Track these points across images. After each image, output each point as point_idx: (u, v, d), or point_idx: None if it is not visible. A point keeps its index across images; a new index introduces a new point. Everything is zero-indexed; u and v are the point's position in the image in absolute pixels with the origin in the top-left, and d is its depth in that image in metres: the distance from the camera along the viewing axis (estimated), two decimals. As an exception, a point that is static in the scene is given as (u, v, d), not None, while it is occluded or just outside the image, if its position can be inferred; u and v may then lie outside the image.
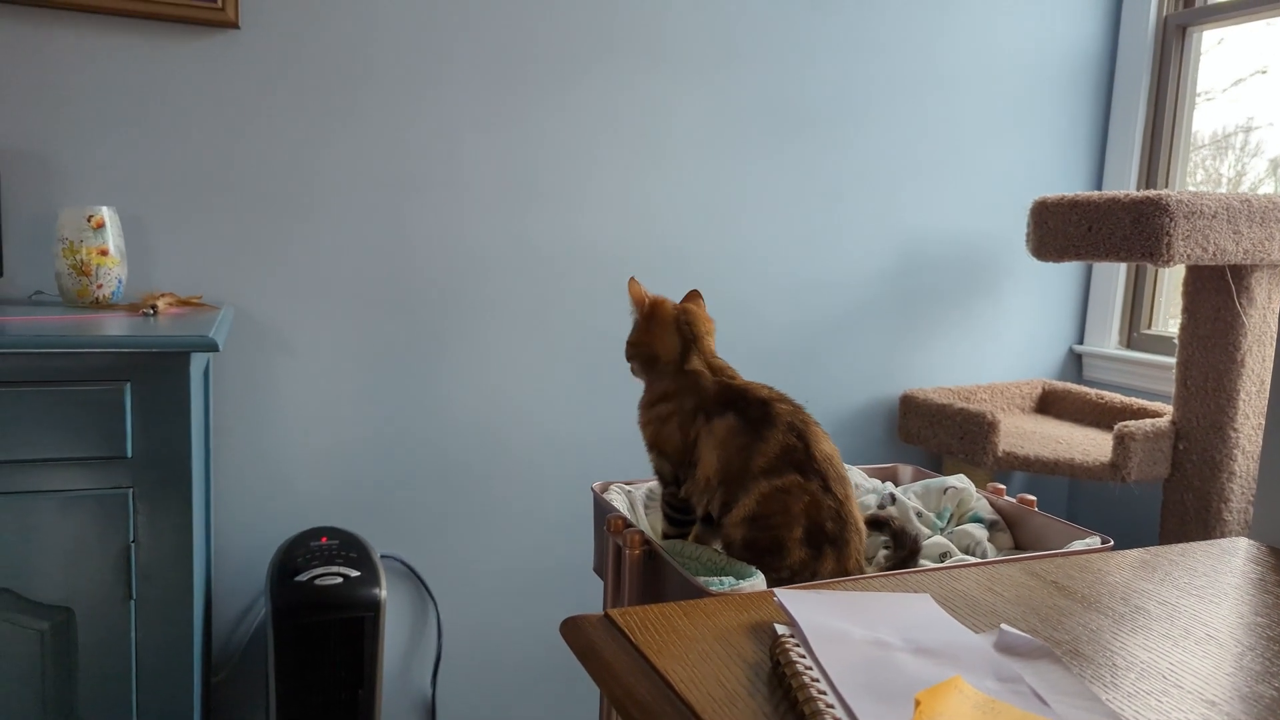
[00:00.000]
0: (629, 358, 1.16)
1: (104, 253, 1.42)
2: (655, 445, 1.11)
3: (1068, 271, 2.32)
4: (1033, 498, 1.18)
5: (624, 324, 1.92)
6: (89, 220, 1.41)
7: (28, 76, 1.52)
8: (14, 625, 1.15)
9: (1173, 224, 1.54)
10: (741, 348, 2.03)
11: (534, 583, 1.94)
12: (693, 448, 1.06)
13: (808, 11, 1.98)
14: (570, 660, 1.99)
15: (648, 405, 1.12)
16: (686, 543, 1.06)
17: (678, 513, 1.10)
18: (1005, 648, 0.65)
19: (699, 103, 1.93)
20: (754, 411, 1.03)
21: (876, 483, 1.30)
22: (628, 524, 1.09)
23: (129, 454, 1.16)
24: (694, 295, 1.19)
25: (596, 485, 1.22)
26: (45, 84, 1.53)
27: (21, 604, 1.15)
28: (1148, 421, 1.76)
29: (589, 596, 1.97)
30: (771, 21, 1.96)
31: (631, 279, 1.17)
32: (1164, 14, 2.19)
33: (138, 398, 1.16)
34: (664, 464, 1.10)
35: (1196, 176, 2.23)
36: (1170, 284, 2.25)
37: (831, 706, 0.56)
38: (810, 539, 1.00)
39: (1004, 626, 0.68)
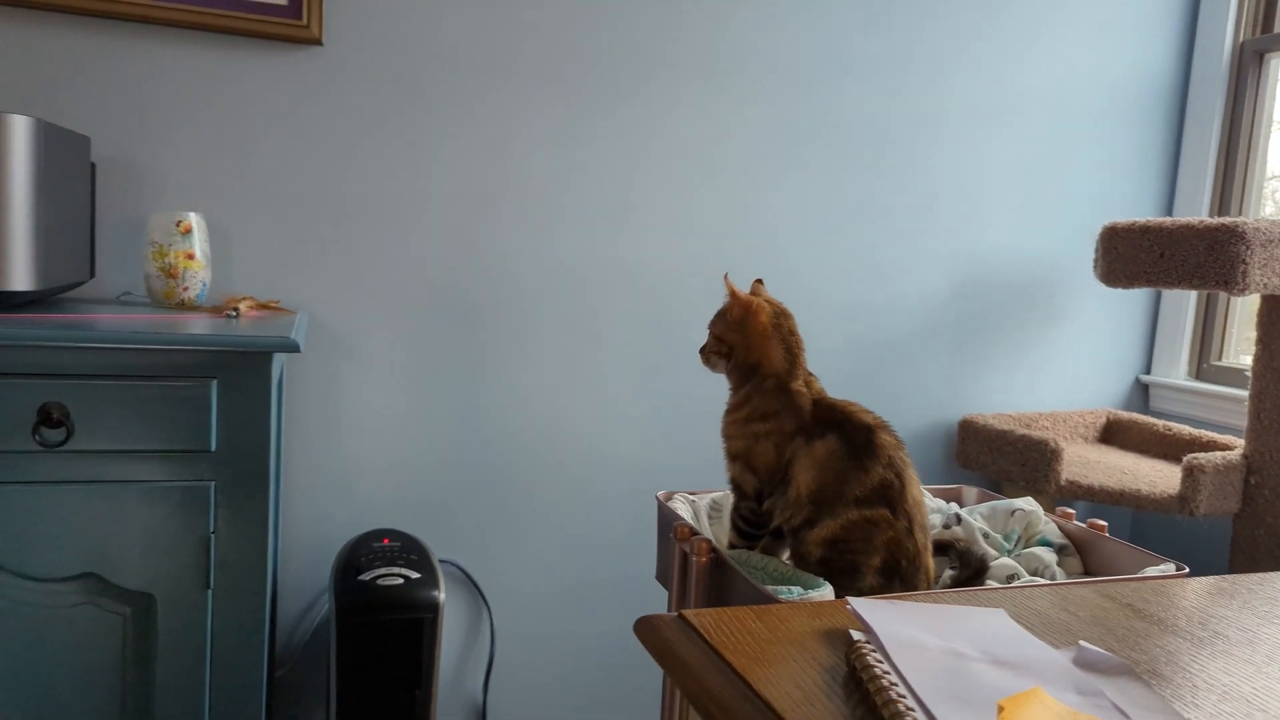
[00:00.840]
0: (712, 350, 1.14)
1: (190, 256, 1.48)
2: (743, 458, 1.10)
3: (1135, 299, 2.28)
4: (1103, 523, 1.17)
5: (681, 338, 1.94)
6: (178, 225, 1.47)
7: (123, 89, 1.59)
8: (99, 609, 1.20)
9: (1249, 252, 1.52)
10: (801, 367, 2.03)
11: (587, 592, 1.96)
12: (787, 467, 1.06)
13: (867, 34, 1.99)
14: (623, 670, 2.00)
15: (743, 420, 1.10)
16: (753, 553, 1.07)
17: (750, 526, 1.10)
18: (1085, 664, 0.65)
19: (757, 123, 1.94)
20: (858, 438, 1.03)
21: (941, 503, 1.30)
22: (694, 532, 1.10)
23: (213, 448, 1.20)
24: (759, 285, 1.19)
25: (661, 494, 1.24)
26: (139, 96, 1.60)
27: (106, 588, 1.20)
28: (1218, 454, 1.73)
29: (642, 607, 1.98)
30: (832, 43, 1.97)
31: (726, 274, 1.17)
32: (1240, 40, 2.16)
33: (223, 394, 1.20)
34: (748, 478, 1.09)
35: (1266, 208, 2.19)
36: (1242, 315, 2.20)
37: (912, 709, 0.56)
38: (885, 571, 1.00)
39: (1082, 643, 0.68)
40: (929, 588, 1.03)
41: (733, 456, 1.12)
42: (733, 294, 1.13)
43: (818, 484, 1.03)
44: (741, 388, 1.12)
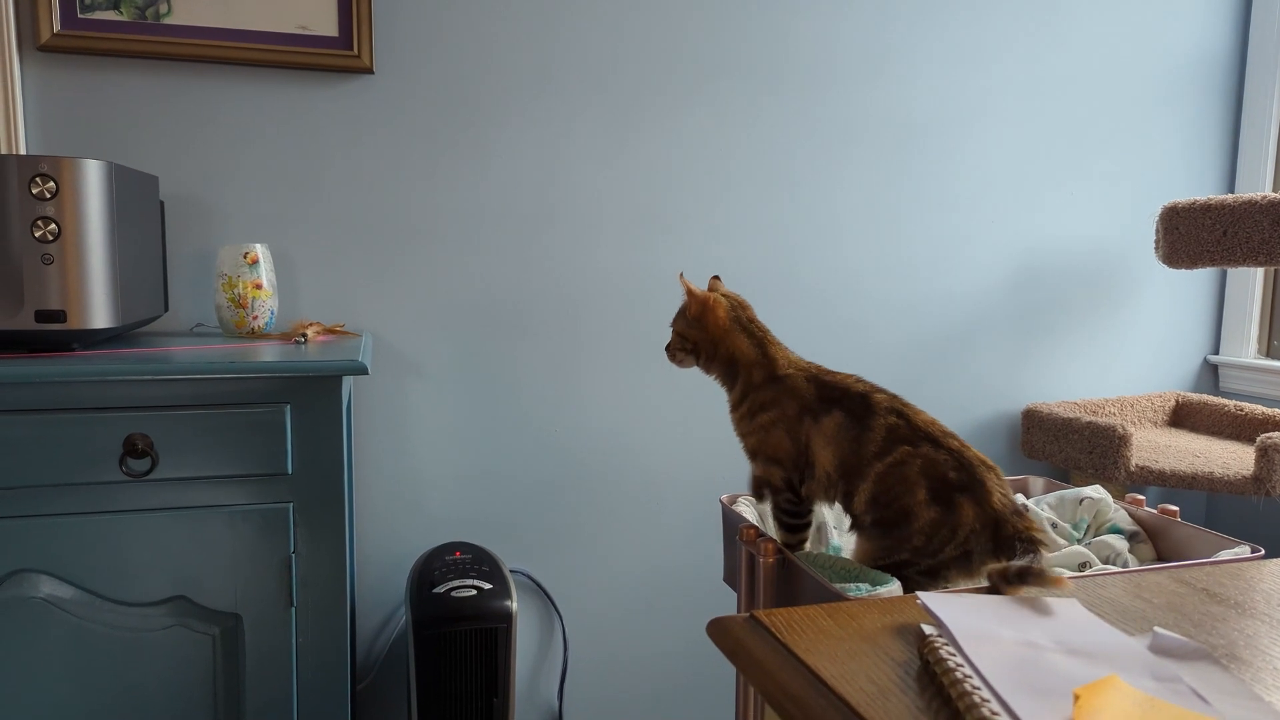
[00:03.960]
0: (676, 347, 1.17)
1: (258, 286, 1.53)
2: (762, 453, 1.12)
3: (1200, 279, 2.23)
4: (1175, 508, 1.15)
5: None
6: (245, 257, 1.52)
7: (186, 127, 1.66)
8: (189, 630, 1.25)
9: (1315, 225, 1.48)
10: (857, 366, 2.03)
11: (657, 596, 1.98)
12: (806, 449, 1.08)
13: (910, 28, 1.98)
14: (694, 674, 2.01)
15: (748, 415, 1.13)
16: (820, 552, 1.08)
17: (793, 518, 1.12)
18: (1160, 649, 0.65)
19: (804, 124, 1.95)
20: (856, 407, 1.06)
21: (1007, 495, 1.29)
22: (760, 533, 1.11)
23: (289, 470, 1.25)
24: (716, 281, 1.22)
25: (725, 497, 1.25)
26: (201, 133, 1.66)
27: (196, 610, 1.25)
28: (1294, 432, 1.68)
29: (712, 609, 1.99)
30: (876, 40, 1.97)
31: (680, 274, 1.19)
32: (1296, 8, 2.10)
33: (296, 418, 1.24)
34: (774, 470, 1.11)
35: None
36: (1313, 288, 2.14)
37: (987, 701, 0.57)
38: (936, 496, 1.00)
39: (1158, 629, 0.68)
40: (999, 474, 1.01)
41: (752, 454, 1.14)
42: (689, 292, 1.16)
43: (838, 457, 1.05)
44: (734, 385, 1.15)
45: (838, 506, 1.08)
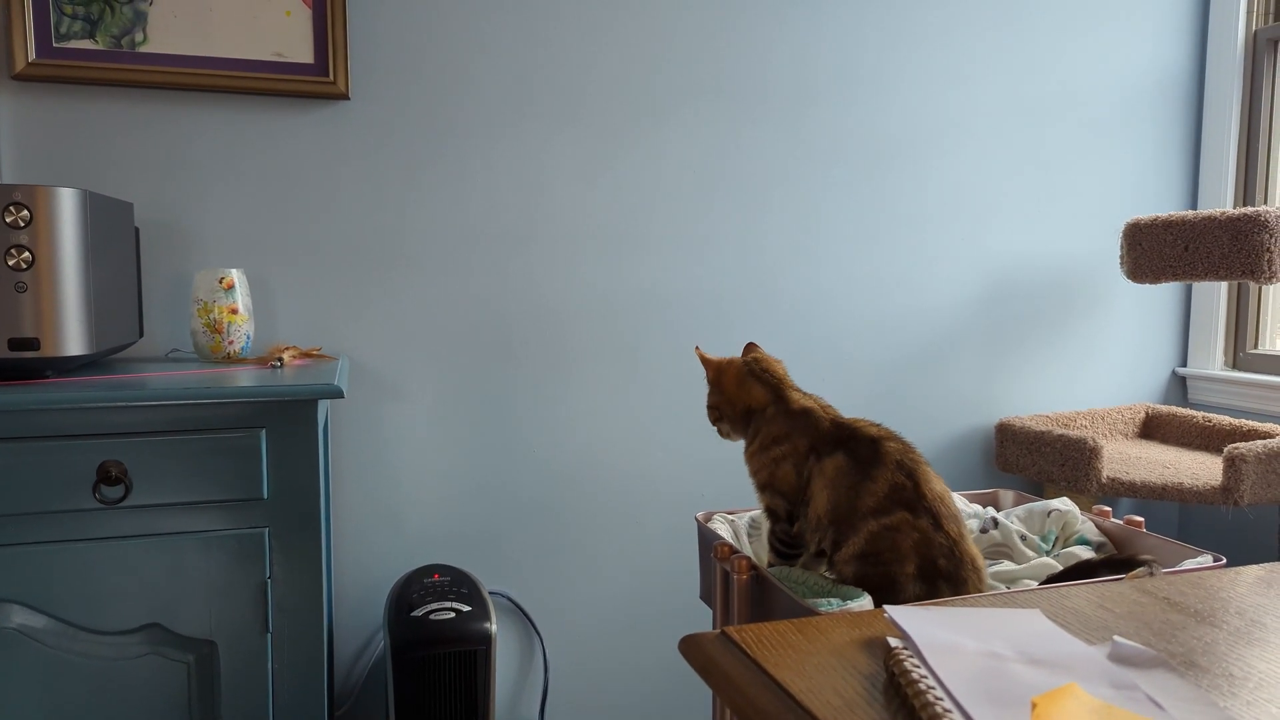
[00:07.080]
0: (714, 420, 1.21)
1: (234, 311, 1.53)
2: (770, 485, 1.12)
3: (1167, 293, 2.28)
4: (1140, 519, 1.17)
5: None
6: (220, 282, 1.53)
7: (161, 154, 1.66)
8: (163, 658, 1.24)
9: (1274, 240, 1.52)
10: (833, 382, 2.05)
11: (636, 615, 1.98)
12: (806, 486, 1.07)
13: (881, 50, 2.02)
14: (674, 692, 2.01)
15: (760, 450, 1.13)
16: (793, 568, 1.09)
17: (787, 548, 1.12)
18: (1119, 658, 0.67)
19: (776, 142, 1.98)
20: (863, 451, 1.04)
21: (977, 508, 1.31)
22: (734, 550, 1.12)
23: (265, 495, 1.25)
24: (752, 347, 1.23)
25: (700, 515, 1.26)
26: (177, 160, 1.67)
27: (170, 637, 1.24)
28: (1259, 443, 1.72)
29: (689, 626, 2.00)
30: (847, 61, 2.00)
31: (696, 348, 1.23)
32: (1253, 29, 2.16)
33: (272, 443, 1.25)
34: (779, 501, 1.11)
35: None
36: (1276, 301, 2.18)
37: (949, 711, 0.58)
38: (923, 575, 0.99)
39: (1117, 638, 0.69)
40: (980, 579, 1.02)
41: (761, 487, 1.14)
42: (703, 361, 1.22)
43: (831, 502, 1.04)
44: (753, 433, 1.16)
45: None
